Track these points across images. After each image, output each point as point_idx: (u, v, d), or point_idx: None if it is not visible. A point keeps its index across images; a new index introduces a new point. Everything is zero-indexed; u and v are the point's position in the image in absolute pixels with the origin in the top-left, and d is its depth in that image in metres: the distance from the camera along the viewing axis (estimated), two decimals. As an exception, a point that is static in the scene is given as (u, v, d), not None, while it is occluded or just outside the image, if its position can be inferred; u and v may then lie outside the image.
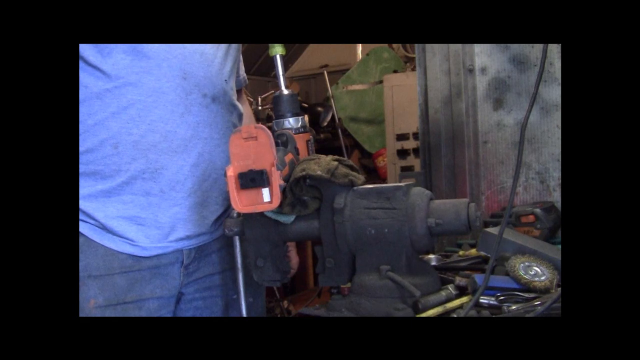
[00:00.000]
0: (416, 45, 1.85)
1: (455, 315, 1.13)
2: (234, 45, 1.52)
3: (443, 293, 1.19)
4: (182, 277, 1.43)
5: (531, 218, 1.48)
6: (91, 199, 1.36)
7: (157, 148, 1.36)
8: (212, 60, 1.43)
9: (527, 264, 1.23)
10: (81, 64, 1.32)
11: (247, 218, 1.24)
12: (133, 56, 1.33)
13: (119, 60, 1.32)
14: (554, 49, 1.60)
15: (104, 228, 1.36)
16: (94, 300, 1.34)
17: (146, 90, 1.34)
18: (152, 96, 1.35)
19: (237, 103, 1.54)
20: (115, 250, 1.37)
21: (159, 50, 1.34)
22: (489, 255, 1.35)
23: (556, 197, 1.63)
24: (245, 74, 1.71)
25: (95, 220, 1.36)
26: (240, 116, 1.55)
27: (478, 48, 1.70)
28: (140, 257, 1.38)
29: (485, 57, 1.70)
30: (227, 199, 1.46)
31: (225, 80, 1.46)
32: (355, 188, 1.20)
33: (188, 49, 1.38)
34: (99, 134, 1.34)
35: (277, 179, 1.13)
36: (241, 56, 1.66)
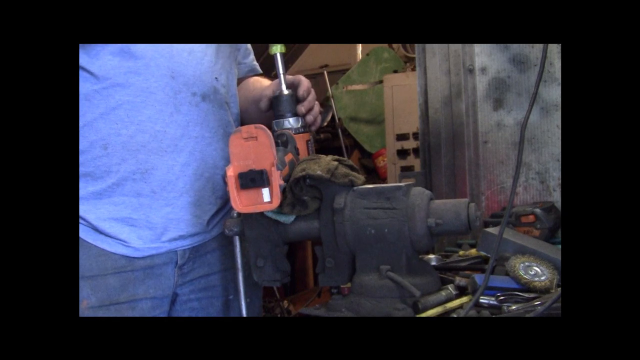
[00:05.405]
0: (416, 45, 1.85)
1: (455, 315, 1.13)
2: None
3: (443, 293, 1.19)
4: (176, 277, 1.43)
5: (531, 218, 1.48)
6: (82, 201, 1.35)
7: (146, 148, 1.35)
8: (202, 58, 1.42)
9: (527, 264, 1.23)
10: None
11: (247, 218, 1.24)
12: (121, 56, 1.32)
13: (106, 61, 1.32)
14: (554, 49, 1.60)
15: (96, 229, 1.36)
16: (87, 300, 1.33)
17: (134, 91, 1.33)
18: (141, 96, 1.34)
19: (232, 100, 1.52)
20: (108, 251, 1.36)
21: (147, 50, 1.33)
22: (489, 255, 1.35)
23: (556, 197, 1.63)
24: (255, 63, 1.67)
25: (88, 222, 1.36)
26: (235, 114, 1.53)
27: (478, 48, 1.70)
28: (133, 257, 1.37)
29: (485, 57, 1.70)
30: (220, 197, 1.46)
31: (216, 77, 1.45)
32: (355, 188, 1.20)
33: (176, 48, 1.37)
34: (88, 136, 1.34)
35: (277, 179, 1.13)
36: (250, 46, 1.64)
